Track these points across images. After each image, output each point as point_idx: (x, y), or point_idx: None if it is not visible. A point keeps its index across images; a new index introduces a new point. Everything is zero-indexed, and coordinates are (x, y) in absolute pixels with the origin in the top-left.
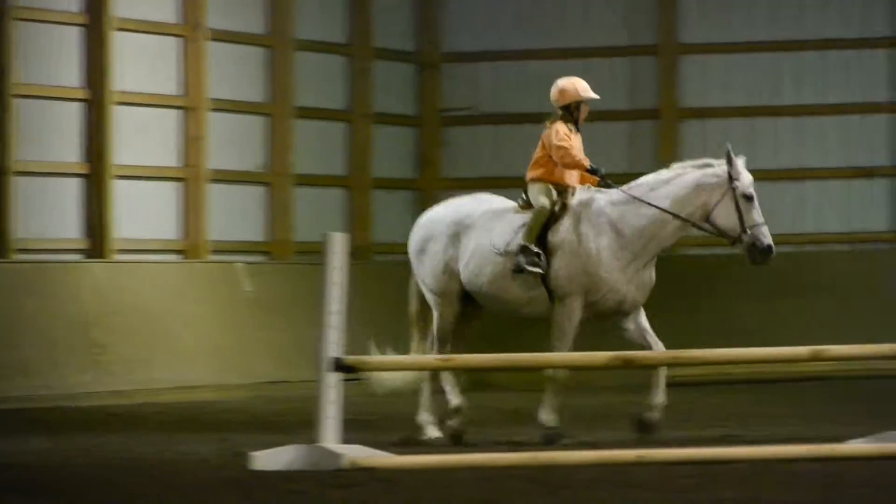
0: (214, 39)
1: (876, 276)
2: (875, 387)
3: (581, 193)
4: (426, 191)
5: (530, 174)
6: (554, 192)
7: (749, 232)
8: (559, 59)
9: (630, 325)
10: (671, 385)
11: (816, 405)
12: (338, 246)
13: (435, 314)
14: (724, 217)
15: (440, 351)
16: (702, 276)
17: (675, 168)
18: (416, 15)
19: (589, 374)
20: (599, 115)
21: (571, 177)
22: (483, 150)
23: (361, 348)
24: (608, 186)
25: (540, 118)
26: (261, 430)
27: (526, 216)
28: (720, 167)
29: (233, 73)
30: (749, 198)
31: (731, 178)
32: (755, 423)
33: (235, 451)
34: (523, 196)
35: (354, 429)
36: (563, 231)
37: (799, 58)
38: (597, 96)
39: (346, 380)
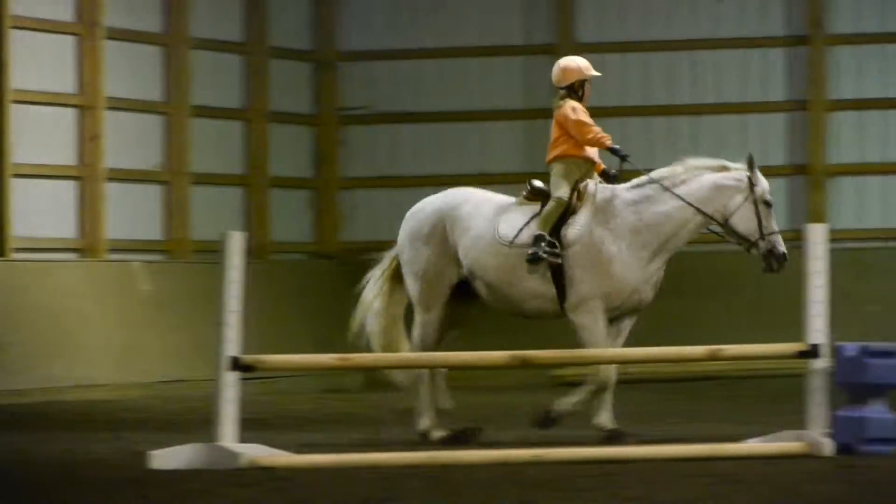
0: (111, 38)
1: (774, 275)
2: (772, 386)
3: (599, 188)
4: (323, 190)
5: (551, 154)
6: (575, 177)
7: (766, 238)
8: (455, 57)
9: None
10: (566, 384)
11: (714, 404)
12: (235, 245)
13: (418, 318)
14: (745, 221)
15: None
16: None
17: (688, 165)
18: (314, 14)
19: (487, 374)
20: (496, 114)
21: (592, 153)
22: (380, 148)
23: (259, 347)
24: (613, 179)
25: (436, 117)
26: (159, 429)
27: (534, 207)
28: (738, 171)
29: (129, 71)
30: (769, 204)
31: (752, 182)
32: (653, 422)
33: (133, 450)
34: (529, 186)
35: (254, 428)
36: (579, 227)
37: (694, 57)
38: (599, 73)
39: (245, 379)
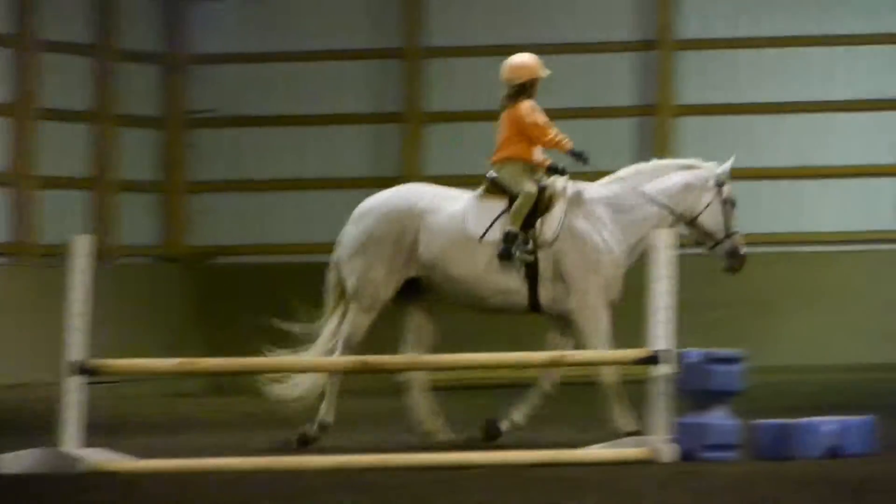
0: None
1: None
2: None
3: (568, 185)
4: (171, 193)
5: (500, 154)
6: (530, 175)
7: (730, 238)
8: (303, 61)
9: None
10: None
11: (558, 410)
12: (82, 248)
13: (352, 316)
14: (712, 220)
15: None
16: None
17: (656, 165)
18: (163, 17)
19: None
20: (343, 118)
21: (538, 155)
22: (228, 152)
23: (105, 351)
24: (561, 173)
25: (283, 120)
26: (2, 433)
27: (498, 201)
28: (706, 169)
29: None
30: (733, 203)
31: (719, 182)
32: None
33: None
34: (489, 179)
35: (99, 433)
36: (556, 223)
37: (547, 60)
38: (549, 72)
39: (90, 383)
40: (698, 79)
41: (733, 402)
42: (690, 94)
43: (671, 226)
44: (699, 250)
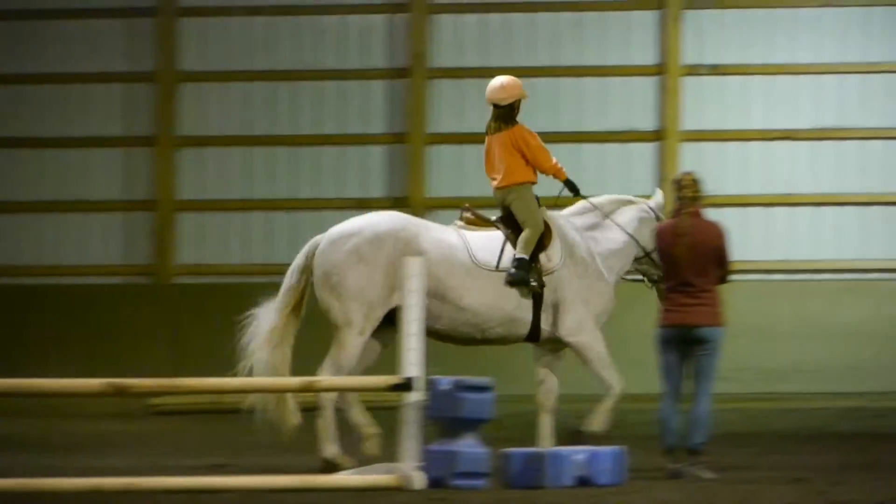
0: None
1: None
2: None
3: (548, 214)
4: None
5: (511, 179)
6: (536, 203)
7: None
8: (56, 83)
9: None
10: (160, 413)
11: (310, 435)
12: None
13: (346, 340)
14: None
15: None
16: (192, 303)
17: (610, 199)
18: None
19: (84, 401)
20: (96, 141)
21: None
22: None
23: None
24: (575, 191)
25: (36, 143)
26: None
27: (494, 231)
28: (645, 203)
29: None
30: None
31: (658, 217)
32: (247, 451)
33: None
34: (472, 214)
35: None
36: (559, 250)
37: (295, 87)
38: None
39: None
40: (450, 108)
41: (483, 430)
42: (443, 122)
43: (637, 258)
44: None
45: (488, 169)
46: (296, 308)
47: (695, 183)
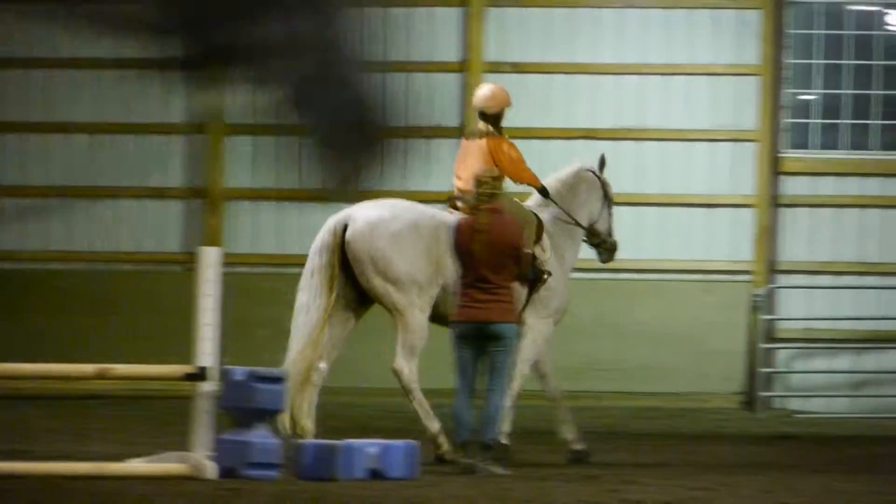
0: None
1: (165, 296)
2: (163, 407)
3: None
4: None
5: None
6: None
7: (612, 235)
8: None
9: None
10: None
11: (102, 423)
12: None
13: (412, 321)
14: (604, 222)
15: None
16: (8, 290)
17: (563, 180)
18: None
19: None
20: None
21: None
22: None
23: None
24: (546, 195)
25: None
26: None
27: None
28: (589, 172)
29: None
30: (613, 202)
31: (604, 183)
32: (42, 439)
33: None
34: (458, 203)
35: None
36: (548, 244)
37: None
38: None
39: None
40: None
41: (278, 421)
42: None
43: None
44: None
45: (458, 169)
46: (332, 286)
47: (494, 180)
